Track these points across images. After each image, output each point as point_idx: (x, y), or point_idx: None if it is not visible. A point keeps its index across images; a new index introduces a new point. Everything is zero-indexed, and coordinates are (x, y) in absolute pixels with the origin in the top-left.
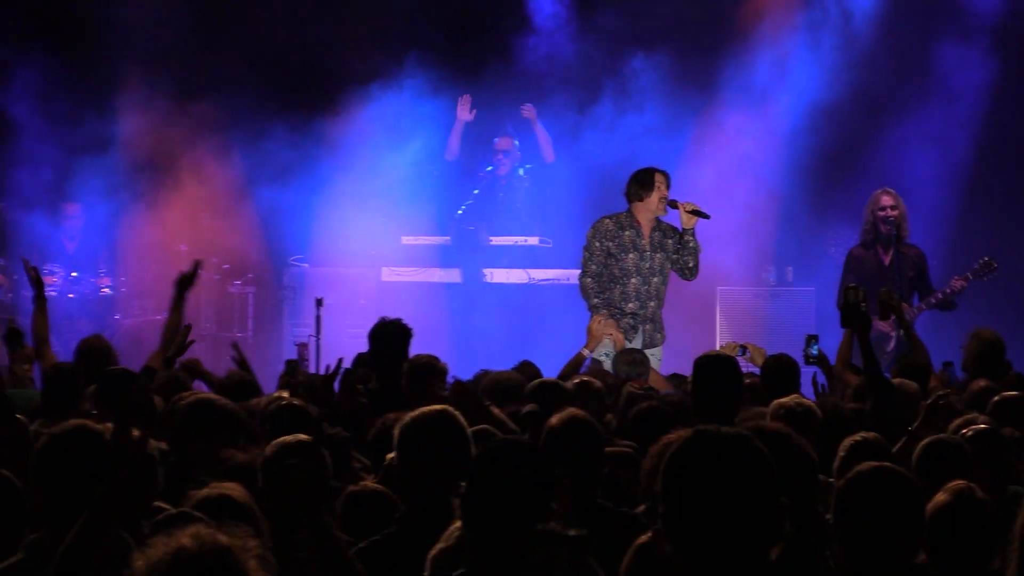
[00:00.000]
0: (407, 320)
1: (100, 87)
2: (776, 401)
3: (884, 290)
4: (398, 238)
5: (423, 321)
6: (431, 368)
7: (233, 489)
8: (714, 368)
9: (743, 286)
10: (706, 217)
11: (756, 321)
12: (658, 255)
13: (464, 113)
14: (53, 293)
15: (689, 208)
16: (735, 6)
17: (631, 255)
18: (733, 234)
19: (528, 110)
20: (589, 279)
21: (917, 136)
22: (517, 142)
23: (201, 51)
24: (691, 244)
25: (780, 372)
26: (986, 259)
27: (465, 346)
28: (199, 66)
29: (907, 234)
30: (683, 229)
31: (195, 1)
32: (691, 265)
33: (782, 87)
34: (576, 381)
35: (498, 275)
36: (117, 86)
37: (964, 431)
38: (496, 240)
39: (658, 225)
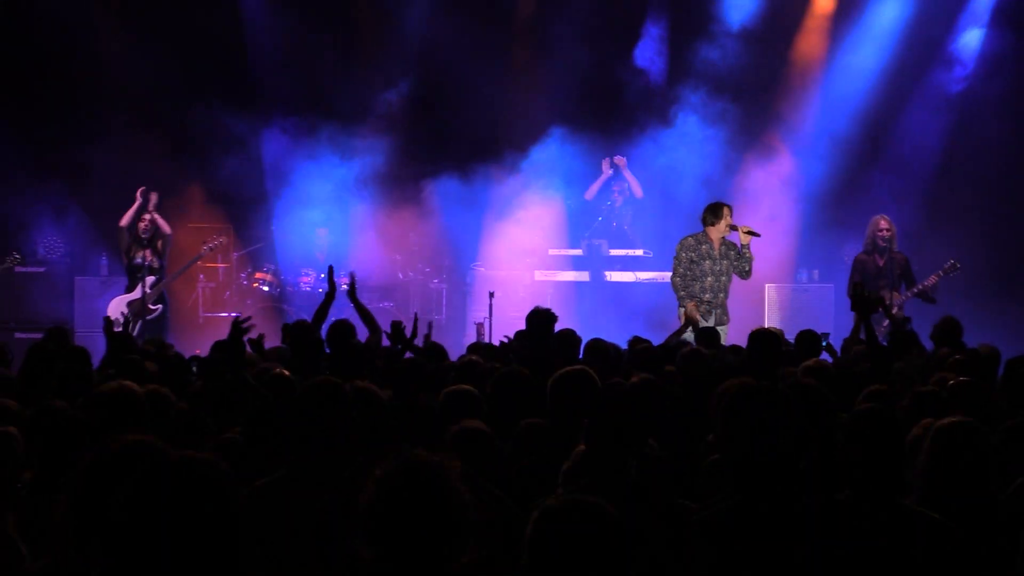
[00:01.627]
0: (553, 308)
1: (339, 147)
2: (804, 364)
3: (871, 292)
4: (546, 250)
5: (563, 308)
6: (571, 340)
7: (478, 424)
8: (762, 340)
9: (783, 283)
10: (758, 236)
11: (792, 308)
12: (724, 262)
13: (607, 169)
14: (307, 289)
15: (745, 230)
16: (786, 70)
17: (707, 262)
18: (778, 247)
19: (620, 159)
20: (678, 279)
21: (906, 172)
22: (627, 185)
23: (415, 125)
24: (747, 255)
25: (806, 343)
26: (952, 261)
27: (592, 325)
28: (416, 135)
29: (896, 245)
30: (741, 245)
31: (418, 92)
32: (747, 269)
33: (813, 136)
34: (688, 349)
35: (614, 276)
36: (354, 147)
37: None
38: (613, 252)
39: (723, 241)
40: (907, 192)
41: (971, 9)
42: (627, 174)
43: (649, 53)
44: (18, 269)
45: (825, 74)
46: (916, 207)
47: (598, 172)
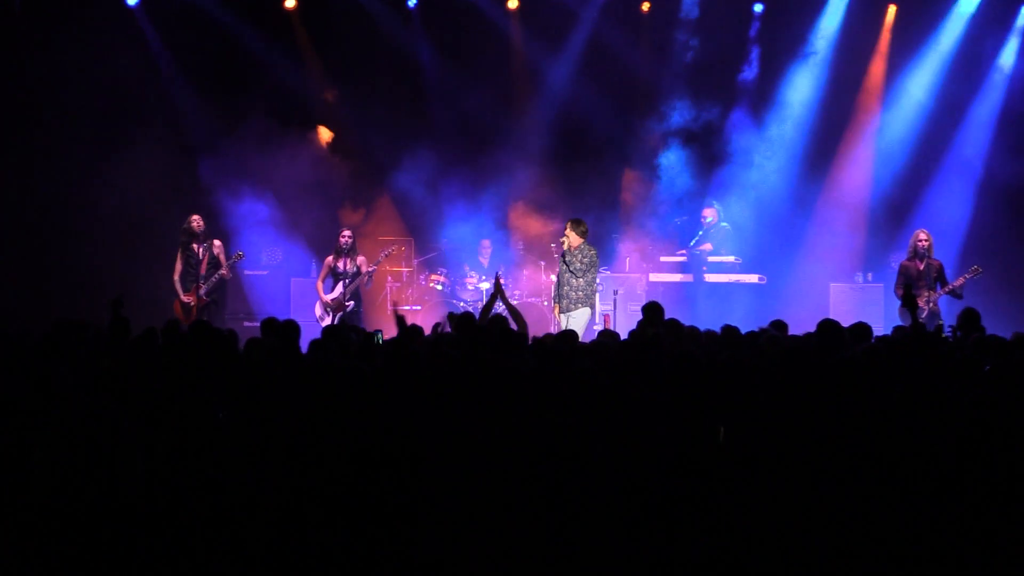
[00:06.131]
0: (661, 302)
1: (500, 177)
2: (863, 347)
3: (907, 294)
4: (657, 257)
5: (671, 301)
6: (678, 326)
7: None
8: (828, 327)
9: (843, 283)
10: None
11: (849, 304)
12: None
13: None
14: (472, 288)
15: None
16: (855, 98)
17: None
18: (841, 253)
19: (708, 211)
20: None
21: (943, 192)
22: (719, 206)
23: (557, 160)
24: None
25: (860, 333)
26: (975, 267)
27: (693, 314)
28: (559, 168)
29: (932, 253)
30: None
31: (559, 133)
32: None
33: (873, 159)
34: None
35: (711, 277)
36: (511, 177)
37: None
38: (711, 258)
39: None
40: (947, 211)
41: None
42: (716, 217)
43: (742, 99)
44: (247, 272)
45: (887, 100)
46: (953, 224)
47: (703, 191)
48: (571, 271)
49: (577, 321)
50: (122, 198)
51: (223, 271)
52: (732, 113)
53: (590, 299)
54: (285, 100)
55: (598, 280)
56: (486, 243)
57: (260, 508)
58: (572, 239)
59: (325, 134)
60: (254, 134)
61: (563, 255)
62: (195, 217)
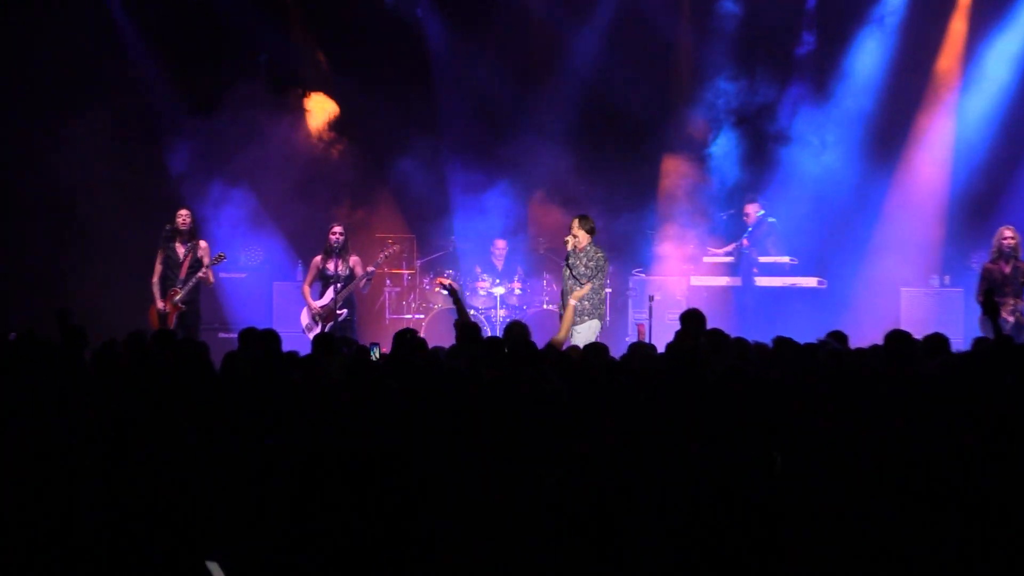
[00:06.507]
0: (704, 310)
1: (513, 165)
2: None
3: (988, 300)
4: (701, 257)
5: (715, 308)
6: (723, 337)
7: None
8: (897, 339)
9: (917, 287)
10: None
11: (924, 310)
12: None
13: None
14: (483, 293)
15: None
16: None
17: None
18: (914, 252)
19: (752, 206)
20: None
21: None
22: (761, 200)
23: (581, 145)
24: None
25: (936, 345)
26: None
27: (741, 323)
28: (582, 154)
29: (1020, 253)
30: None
31: (584, 114)
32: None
33: (952, 144)
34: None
35: (761, 281)
36: (526, 165)
37: None
38: (762, 259)
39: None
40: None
41: None
42: (759, 214)
43: (799, 74)
44: (222, 275)
45: (967, 76)
46: None
47: (755, 181)
48: (574, 276)
49: (583, 336)
50: (70, 189)
51: (201, 273)
52: (788, 90)
53: (598, 309)
54: (268, 76)
55: (630, 285)
56: (501, 243)
57: (239, 538)
58: (581, 238)
59: (326, 105)
60: (228, 114)
61: (566, 257)
62: (182, 212)
